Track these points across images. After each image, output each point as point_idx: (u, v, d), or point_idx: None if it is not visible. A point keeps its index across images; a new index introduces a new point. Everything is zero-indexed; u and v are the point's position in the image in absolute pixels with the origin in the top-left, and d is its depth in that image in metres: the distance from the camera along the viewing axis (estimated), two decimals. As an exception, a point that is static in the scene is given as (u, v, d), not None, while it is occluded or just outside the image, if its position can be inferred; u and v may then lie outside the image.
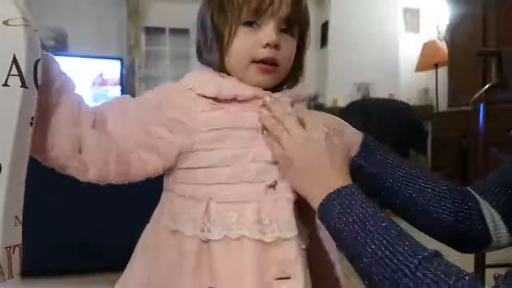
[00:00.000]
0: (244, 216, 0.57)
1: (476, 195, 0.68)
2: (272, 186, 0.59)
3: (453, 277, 0.46)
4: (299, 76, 0.67)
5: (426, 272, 0.47)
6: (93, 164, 0.57)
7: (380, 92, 4.34)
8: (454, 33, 3.46)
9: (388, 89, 4.39)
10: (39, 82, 0.52)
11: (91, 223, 1.93)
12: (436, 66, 3.96)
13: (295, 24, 0.61)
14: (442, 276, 0.47)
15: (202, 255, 0.57)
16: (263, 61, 0.59)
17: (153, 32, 4.50)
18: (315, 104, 4.65)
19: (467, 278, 0.46)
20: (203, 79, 0.61)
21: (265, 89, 0.62)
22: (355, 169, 0.63)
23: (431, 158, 3.55)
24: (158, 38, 4.56)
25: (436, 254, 0.50)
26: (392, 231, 0.51)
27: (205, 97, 0.59)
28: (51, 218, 1.87)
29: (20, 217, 0.51)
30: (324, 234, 0.64)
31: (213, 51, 0.61)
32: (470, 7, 3.24)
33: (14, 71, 0.48)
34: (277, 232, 0.57)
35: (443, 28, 4.14)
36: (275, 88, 0.64)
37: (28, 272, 0.55)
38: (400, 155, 0.70)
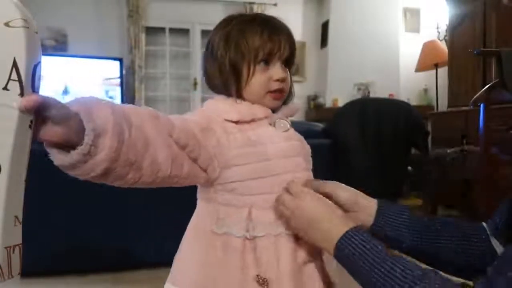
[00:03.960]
0: (279, 218, 0.72)
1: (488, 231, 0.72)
2: None
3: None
4: (292, 92, 0.83)
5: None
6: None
7: (380, 92, 4.34)
8: (454, 33, 3.46)
9: (388, 89, 4.39)
10: (38, 86, 0.51)
11: (91, 223, 1.93)
12: (436, 66, 3.96)
13: (291, 61, 0.80)
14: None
15: (245, 251, 0.71)
16: (275, 91, 0.76)
17: (153, 32, 4.50)
18: (315, 104, 4.65)
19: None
20: (224, 106, 0.75)
21: (273, 108, 0.78)
22: (374, 235, 0.68)
23: (431, 158, 3.54)
24: (158, 38, 4.57)
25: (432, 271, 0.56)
26: (389, 258, 0.59)
27: (231, 121, 0.73)
28: (51, 218, 1.88)
29: (20, 217, 0.51)
30: None
31: (231, 84, 0.75)
32: (470, 7, 3.24)
33: (14, 76, 0.48)
34: None
35: (443, 28, 4.14)
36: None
37: (28, 272, 0.55)
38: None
